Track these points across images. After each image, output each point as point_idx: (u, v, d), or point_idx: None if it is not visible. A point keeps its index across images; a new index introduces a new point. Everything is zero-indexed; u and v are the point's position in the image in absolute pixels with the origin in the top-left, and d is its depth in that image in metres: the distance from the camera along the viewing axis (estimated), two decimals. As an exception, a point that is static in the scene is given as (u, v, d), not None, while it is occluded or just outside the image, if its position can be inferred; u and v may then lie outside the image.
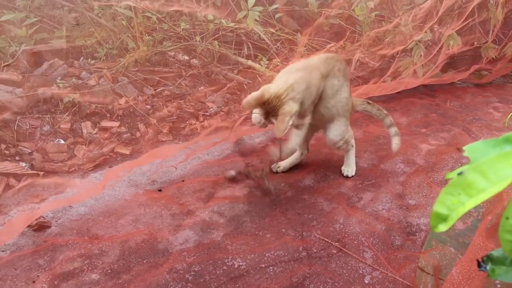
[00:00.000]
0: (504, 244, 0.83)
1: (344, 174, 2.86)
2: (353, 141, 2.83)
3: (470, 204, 0.81)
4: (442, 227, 0.85)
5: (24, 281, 2.00)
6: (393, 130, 2.88)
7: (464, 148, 0.92)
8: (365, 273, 2.07)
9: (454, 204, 0.84)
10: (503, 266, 1.16)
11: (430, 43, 4.49)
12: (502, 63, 4.81)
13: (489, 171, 0.83)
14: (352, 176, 2.85)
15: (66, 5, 3.77)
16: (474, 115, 4.05)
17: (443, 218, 0.85)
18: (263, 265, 2.09)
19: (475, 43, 4.69)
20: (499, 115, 4.11)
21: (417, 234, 2.37)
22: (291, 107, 2.20)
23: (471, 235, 2.39)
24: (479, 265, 1.18)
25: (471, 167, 0.84)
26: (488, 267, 1.18)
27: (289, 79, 2.30)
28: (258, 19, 4.03)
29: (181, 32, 3.95)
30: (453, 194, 0.85)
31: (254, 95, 2.24)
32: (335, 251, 2.20)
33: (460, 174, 0.83)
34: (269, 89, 2.24)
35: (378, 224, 2.42)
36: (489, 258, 1.19)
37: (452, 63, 4.77)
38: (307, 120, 2.51)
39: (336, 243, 2.25)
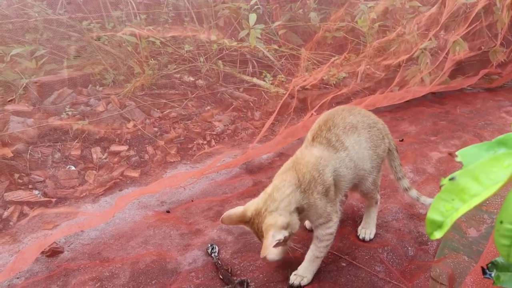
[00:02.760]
0: (501, 249, 0.81)
1: (360, 237, 2.36)
2: (378, 196, 2.37)
3: (463, 209, 0.80)
4: (438, 234, 0.84)
5: (38, 308, 2.03)
6: (414, 193, 2.47)
7: (457, 153, 0.92)
8: (377, 286, 2.03)
9: (448, 210, 0.83)
10: (509, 273, 1.14)
11: (436, 50, 4.47)
12: (512, 66, 4.75)
13: (481, 175, 0.82)
14: (370, 240, 2.35)
15: (73, 35, 3.88)
16: (486, 120, 3.98)
17: (438, 225, 0.84)
18: (271, 284, 2.07)
19: (483, 47, 4.66)
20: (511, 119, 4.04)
21: (429, 243, 2.33)
22: (274, 219, 1.75)
23: (485, 242, 2.33)
24: (483, 272, 1.15)
25: (463, 172, 0.83)
26: (493, 274, 1.15)
27: (269, 187, 1.91)
28: (260, 37, 4.07)
29: (185, 54, 4.02)
30: (446, 200, 0.84)
31: (236, 211, 1.89)
32: (345, 264, 2.18)
33: (452, 179, 0.82)
34: (251, 206, 1.86)
35: (389, 235, 2.39)
36: (494, 265, 1.16)
37: (460, 69, 4.73)
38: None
39: (346, 256, 2.23)
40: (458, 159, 0.91)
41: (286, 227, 1.76)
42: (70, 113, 3.30)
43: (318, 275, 2.10)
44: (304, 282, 2.03)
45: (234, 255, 2.27)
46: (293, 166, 1.92)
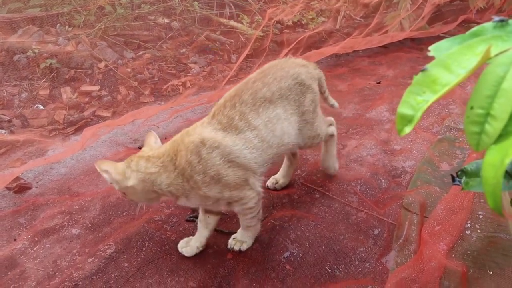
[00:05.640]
0: (470, 138, 0.76)
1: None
2: (330, 129, 2.15)
3: (433, 99, 0.77)
4: (407, 129, 0.80)
5: (6, 240, 1.99)
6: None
7: (429, 48, 0.87)
8: (350, 214, 2.04)
9: (419, 103, 0.79)
10: (477, 178, 1.14)
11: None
12: (491, 13, 4.70)
13: (453, 64, 0.78)
14: (336, 171, 2.29)
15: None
16: (463, 66, 3.97)
17: (408, 120, 0.80)
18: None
19: (463, -8, 4.60)
20: (488, 65, 4.03)
21: (402, 176, 2.34)
22: (118, 168, 1.66)
23: (457, 174, 2.36)
24: (453, 180, 1.14)
25: (435, 63, 0.78)
26: (463, 180, 1.15)
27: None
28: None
29: (159, -6, 3.86)
30: (417, 93, 0.79)
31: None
32: (318, 196, 2.17)
33: (424, 70, 0.78)
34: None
35: (363, 169, 2.39)
36: (463, 172, 1.16)
37: (440, 15, 4.68)
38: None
39: (319, 188, 2.22)
40: (430, 53, 0.87)
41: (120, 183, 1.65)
42: (36, 51, 3.15)
43: (292, 206, 2.09)
44: (244, 247, 1.86)
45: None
46: (178, 142, 1.66)
